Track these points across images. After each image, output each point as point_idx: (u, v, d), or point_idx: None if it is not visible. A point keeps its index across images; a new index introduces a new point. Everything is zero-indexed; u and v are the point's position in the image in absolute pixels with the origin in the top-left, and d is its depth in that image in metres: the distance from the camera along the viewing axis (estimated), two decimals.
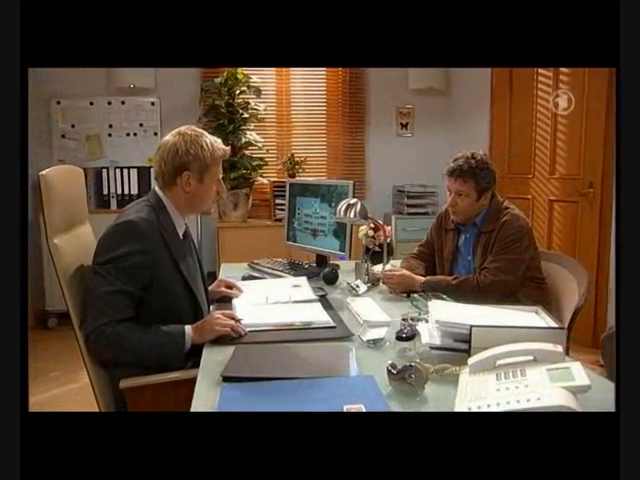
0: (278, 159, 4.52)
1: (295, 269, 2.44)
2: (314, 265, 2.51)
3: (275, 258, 2.64)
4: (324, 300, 1.95)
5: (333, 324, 1.66)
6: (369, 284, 2.17)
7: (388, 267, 2.19)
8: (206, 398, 1.17)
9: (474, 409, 1.04)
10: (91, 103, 4.26)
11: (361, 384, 1.20)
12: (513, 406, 1.01)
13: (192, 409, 1.12)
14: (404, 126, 4.72)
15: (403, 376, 1.20)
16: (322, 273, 2.27)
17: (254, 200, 4.40)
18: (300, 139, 4.68)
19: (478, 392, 1.10)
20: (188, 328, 1.56)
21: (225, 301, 1.95)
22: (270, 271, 2.45)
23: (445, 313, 1.45)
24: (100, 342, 1.52)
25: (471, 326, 1.32)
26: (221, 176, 1.81)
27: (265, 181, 4.37)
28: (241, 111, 4.14)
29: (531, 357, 1.17)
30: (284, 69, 4.53)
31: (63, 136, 4.25)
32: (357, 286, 2.12)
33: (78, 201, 1.81)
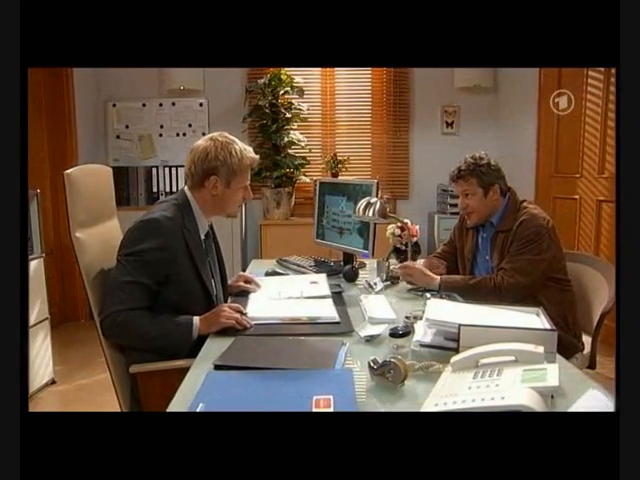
0: (322, 158, 4.57)
1: (319, 266, 2.48)
2: (340, 263, 2.54)
3: (303, 255, 2.70)
4: (338, 297, 1.99)
5: (338, 320, 1.70)
6: (387, 282, 2.19)
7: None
8: (193, 384, 1.23)
9: (440, 405, 1.05)
10: (144, 105, 4.48)
11: (338, 377, 1.24)
12: (478, 404, 1.02)
13: (177, 393, 1.19)
14: (449, 125, 4.66)
15: (383, 371, 1.22)
16: (343, 271, 2.31)
17: (297, 199, 4.48)
18: (345, 138, 4.72)
19: (451, 389, 1.11)
20: (196, 319, 1.64)
21: (243, 295, 2.02)
22: (295, 267, 2.51)
23: (439, 311, 1.46)
24: (113, 327, 1.63)
25: (459, 325, 1.33)
26: (248, 183, 1.89)
27: (308, 180, 4.44)
28: (284, 111, 4.23)
29: (513, 357, 1.17)
30: (329, 69, 4.58)
31: (118, 137, 4.50)
32: (374, 284, 2.14)
33: (104, 198, 1.92)
